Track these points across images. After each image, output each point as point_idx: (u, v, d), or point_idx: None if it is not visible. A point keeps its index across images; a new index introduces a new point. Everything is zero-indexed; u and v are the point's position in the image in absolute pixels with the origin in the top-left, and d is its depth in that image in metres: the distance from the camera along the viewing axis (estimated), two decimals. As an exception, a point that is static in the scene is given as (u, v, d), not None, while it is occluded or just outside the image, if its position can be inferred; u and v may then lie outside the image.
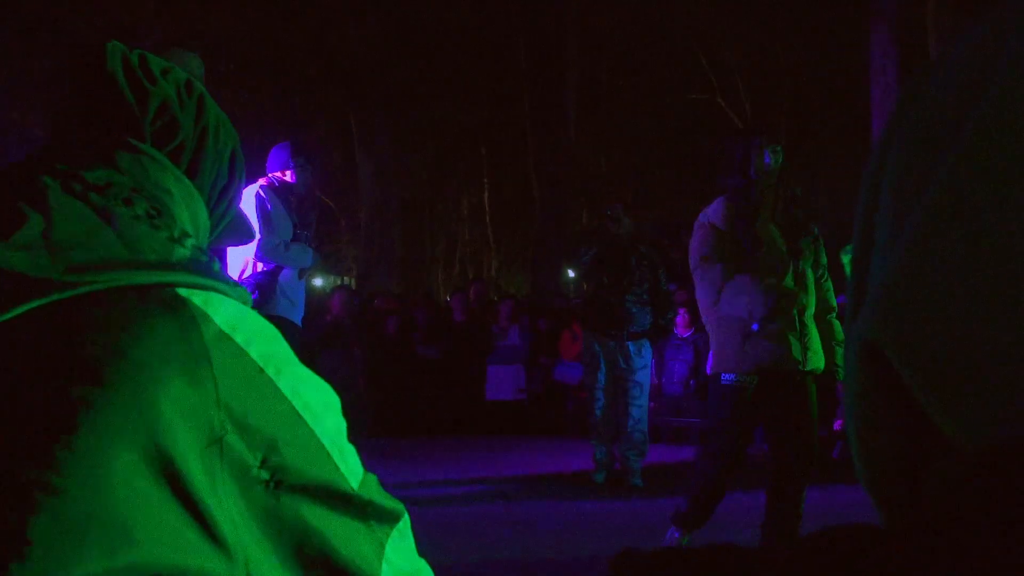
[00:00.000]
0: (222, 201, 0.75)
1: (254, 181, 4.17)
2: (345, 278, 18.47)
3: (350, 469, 0.65)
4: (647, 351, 5.21)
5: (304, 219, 4.24)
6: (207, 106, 0.73)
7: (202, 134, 0.71)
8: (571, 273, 15.28)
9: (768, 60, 15.69)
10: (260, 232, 3.93)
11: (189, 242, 0.63)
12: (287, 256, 4.14)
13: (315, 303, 10.36)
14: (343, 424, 0.65)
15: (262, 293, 4.03)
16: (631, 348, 5.13)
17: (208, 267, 0.62)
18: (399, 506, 0.70)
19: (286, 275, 4.15)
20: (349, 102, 14.26)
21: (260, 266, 4.11)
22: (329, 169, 17.71)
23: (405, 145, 17.03)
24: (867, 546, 0.27)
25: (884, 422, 0.31)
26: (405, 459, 6.21)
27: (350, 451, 0.66)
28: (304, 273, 4.23)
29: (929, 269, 0.28)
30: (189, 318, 0.57)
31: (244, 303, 0.64)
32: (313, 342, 8.04)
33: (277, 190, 4.15)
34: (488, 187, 22.18)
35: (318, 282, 18.07)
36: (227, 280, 0.64)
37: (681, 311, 7.52)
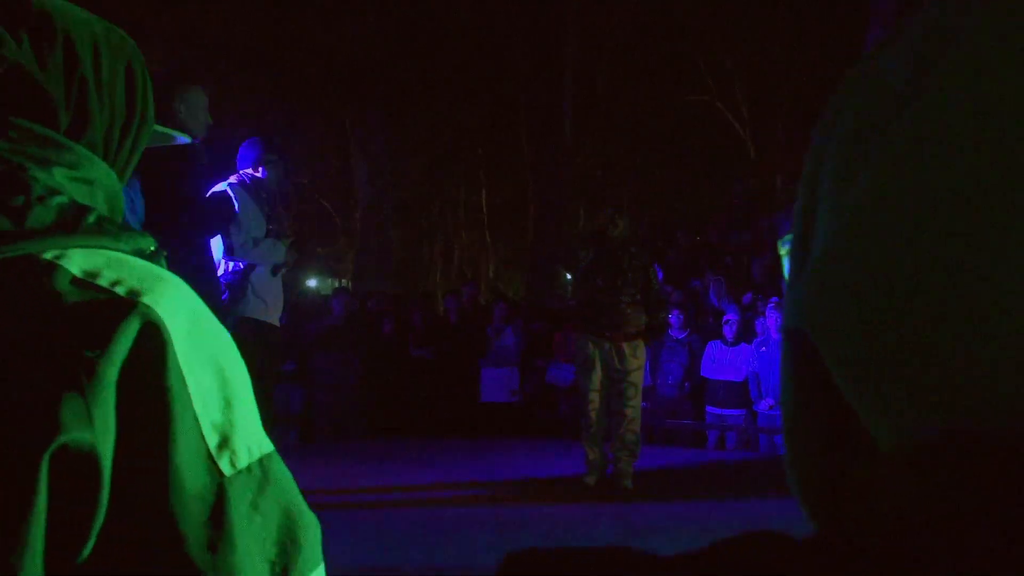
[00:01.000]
0: (125, 139, 0.71)
1: (225, 179, 4.12)
2: (342, 280, 18.41)
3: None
4: (642, 352, 5.19)
5: (275, 215, 4.18)
6: (80, 56, 0.67)
7: (81, 87, 0.66)
8: (568, 275, 15.24)
9: (766, 62, 15.66)
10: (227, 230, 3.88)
11: (55, 201, 0.60)
12: (256, 253, 4.08)
13: (312, 305, 10.37)
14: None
15: (232, 293, 3.96)
16: (626, 349, 5.10)
17: (81, 224, 0.59)
18: None
19: (258, 274, 4.08)
20: (345, 103, 14.22)
21: (231, 265, 4.05)
22: (325, 171, 17.68)
23: (401, 146, 17.00)
24: (774, 554, 0.27)
25: (809, 419, 0.30)
26: (397, 461, 6.16)
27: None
28: (279, 270, 4.15)
29: (857, 250, 0.27)
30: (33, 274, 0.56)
31: (139, 253, 0.63)
32: (310, 344, 8.01)
33: (248, 187, 4.09)
34: (485, 188, 22.14)
35: (312, 283, 18.02)
36: (117, 234, 0.62)
37: (675, 312, 7.50)
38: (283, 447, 4.92)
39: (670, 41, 16.17)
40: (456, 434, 7.91)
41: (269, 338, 4.15)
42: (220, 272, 3.99)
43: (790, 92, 15.79)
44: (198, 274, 3.38)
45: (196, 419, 0.57)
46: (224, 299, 3.88)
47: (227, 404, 0.60)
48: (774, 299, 8.05)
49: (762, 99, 16.30)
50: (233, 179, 4.10)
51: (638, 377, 5.18)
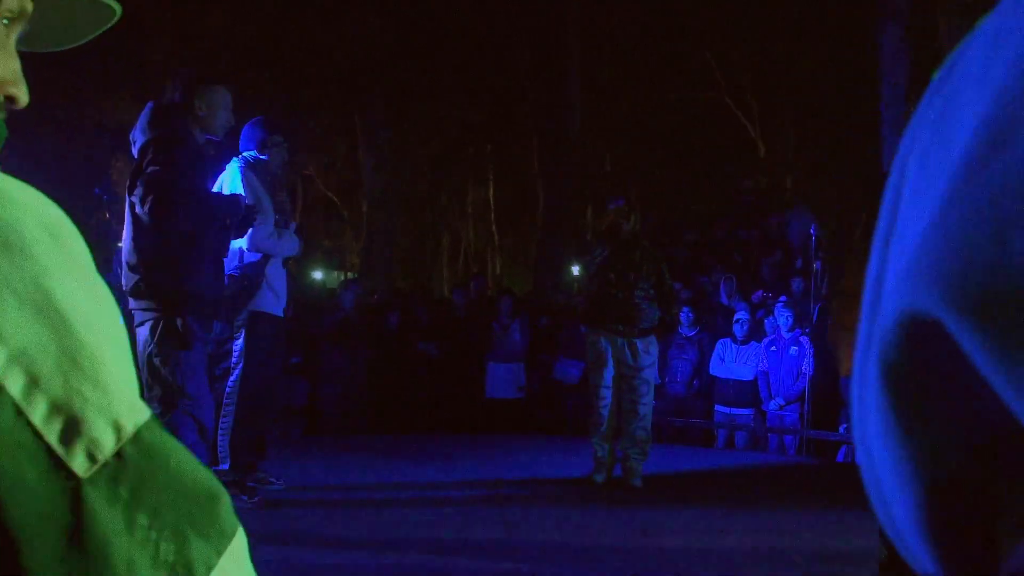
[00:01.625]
0: None
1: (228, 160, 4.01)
2: (347, 273, 18.35)
3: None
4: (654, 348, 5.12)
5: (280, 202, 4.08)
6: None
7: None
8: (575, 270, 15.19)
9: (776, 58, 15.51)
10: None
11: None
12: (280, 245, 3.99)
13: (318, 298, 10.29)
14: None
15: (248, 286, 3.88)
16: (639, 345, 5.02)
17: None
18: None
19: (274, 266, 4.00)
20: (352, 97, 14.13)
21: (245, 257, 3.95)
22: (331, 163, 17.61)
23: (408, 140, 16.90)
24: None
25: (939, 423, 0.25)
26: (402, 457, 6.08)
27: None
28: (287, 262, 4.08)
29: (981, 202, 0.26)
30: None
31: None
32: (321, 339, 7.92)
33: (255, 169, 3.98)
34: (492, 184, 22.06)
35: (318, 275, 17.96)
36: None
37: (684, 309, 7.41)
38: (287, 441, 4.80)
39: (678, 35, 16.05)
40: (461, 430, 7.83)
41: (279, 331, 4.09)
42: (233, 264, 3.92)
43: (801, 88, 15.65)
44: (201, 266, 3.30)
45: (11, 401, 0.40)
46: (233, 291, 3.80)
47: (72, 363, 0.42)
48: (783, 298, 7.96)
49: (772, 95, 16.16)
50: (239, 162, 3.99)
51: (651, 373, 5.12)
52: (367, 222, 14.53)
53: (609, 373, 5.08)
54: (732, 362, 7.36)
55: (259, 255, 3.96)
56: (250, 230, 3.71)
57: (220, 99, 3.39)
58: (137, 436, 0.44)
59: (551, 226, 13.35)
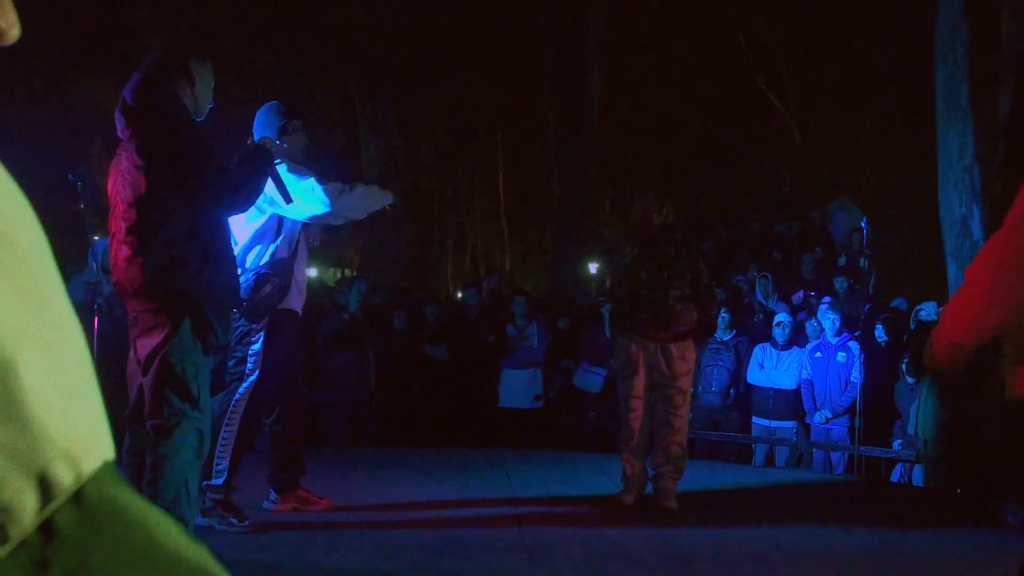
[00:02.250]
0: None
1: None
2: (345, 270, 18.27)
3: None
4: (691, 354, 4.98)
5: None
6: None
7: None
8: (592, 268, 15.07)
9: (813, 38, 15.33)
10: (294, 190, 3.74)
11: None
12: (356, 198, 4.04)
13: (319, 298, 10.19)
14: None
15: (276, 285, 3.81)
16: (674, 350, 4.89)
17: None
18: None
19: (301, 257, 3.98)
20: (353, 80, 14.04)
21: (268, 254, 3.90)
22: (331, 149, 17.51)
23: (413, 128, 16.81)
24: None
25: None
26: (411, 472, 5.94)
27: None
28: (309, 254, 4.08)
29: None
30: None
31: None
32: (328, 342, 7.80)
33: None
34: (503, 175, 21.96)
35: (312, 272, 17.89)
36: None
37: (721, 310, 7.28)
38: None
39: (707, 14, 15.90)
40: (473, 443, 7.71)
41: (300, 332, 4.11)
42: (263, 260, 3.86)
43: (840, 70, 15.46)
44: (225, 259, 3.20)
45: None
46: (264, 291, 3.74)
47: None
48: (827, 298, 7.80)
49: (809, 78, 15.97)
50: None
51: (687, 383, 4.97)
52: (368, 216, 14.43)
53: (640, 382, 4.96)
54: (772, 369, 7.22)
55: (287, 252, 3.91)
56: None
57: (210, 76, 3.30)
58: (81, 497, 0.30)
59: (568, 220, 13.27)
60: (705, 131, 17.31)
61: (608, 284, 5.34)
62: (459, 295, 12.73)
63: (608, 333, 7.63)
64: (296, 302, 4.00)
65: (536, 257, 21.66)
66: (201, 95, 3.24)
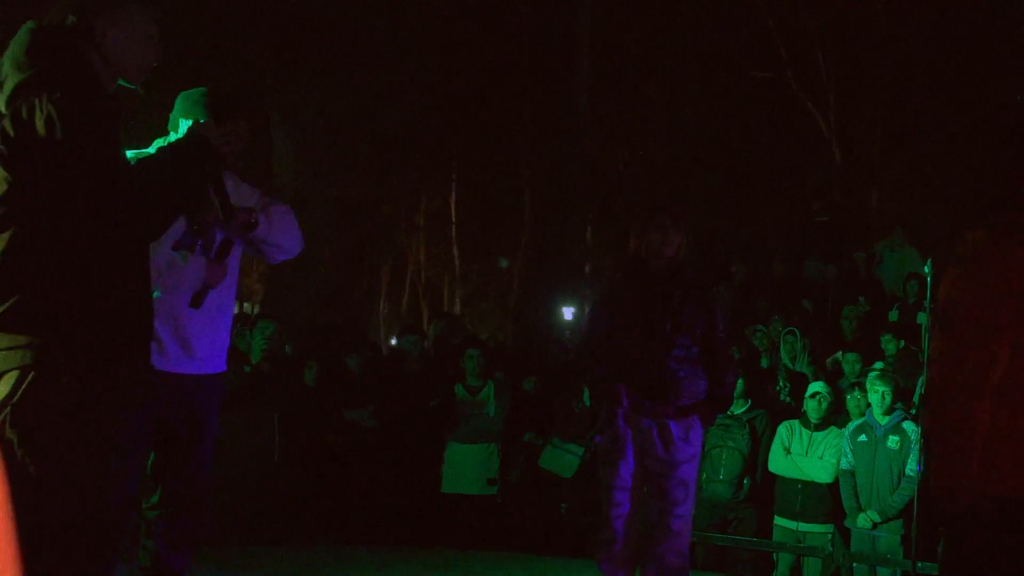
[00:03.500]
0: None
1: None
2: (244, 304, 18.13)
3: None
4: (697, 434, 4.97)
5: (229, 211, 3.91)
6: None
7: None
8: (567, 313, 15.09)
9: (860, 24, 15.65)
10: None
11: None
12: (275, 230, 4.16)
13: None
14: None
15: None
16: (675, 429, 4.88)
17: None
18: None
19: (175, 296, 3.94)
20: (265, 56, 14.07)
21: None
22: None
23: (342, 120, 16.80)
24: None
25: None
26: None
27: None
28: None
29: None
30: None
31: None
32: (228, 399, 7.75)
33: None
34: (457, 186, 22.08)
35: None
36: None
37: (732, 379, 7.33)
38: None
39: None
40: (408, 539, 7.69)
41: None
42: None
43: (892, 69, 15.78)
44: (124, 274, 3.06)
45: None
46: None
47: None
48: (876, 364, 7.88)
49: (855, 75, 16.27)
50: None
51: (690, 471, 4.96)
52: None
53: (628, 468, 4.96)
54: (801, 455, 7.24)
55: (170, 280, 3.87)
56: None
57: (137, 22, 3.15)
58: None
59: (540, 249, 13.31)
60: (718, 140, 17.55)
61: (588, 335, 5.36)
62: (394, 342, 12.67)
63: (588, 401, 7.61)
64: (176, 359, 3.95)
65: (495, 296, 21.69)
66: (122, 50, 3.12)
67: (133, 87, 3.22)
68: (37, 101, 2.90)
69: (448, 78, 17.72)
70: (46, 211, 2.92)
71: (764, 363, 8.85)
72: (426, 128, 19.75)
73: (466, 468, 8.32)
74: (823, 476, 7.17)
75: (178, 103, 4.07)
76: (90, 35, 3.08)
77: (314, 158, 14.13)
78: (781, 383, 8.30)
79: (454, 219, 22.51)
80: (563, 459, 8.14)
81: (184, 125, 3.81)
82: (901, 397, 7.20)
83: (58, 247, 2.93)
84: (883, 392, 6.99)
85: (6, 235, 2.92)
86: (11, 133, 2.92)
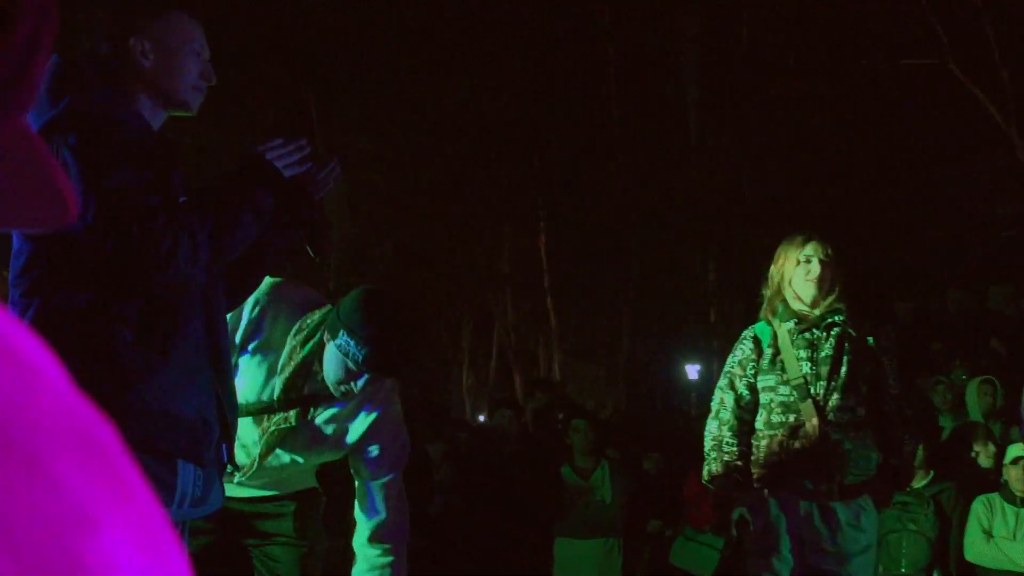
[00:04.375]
0: None
1: None
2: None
3: None
4: (871, 519, 4.94)
5: None
6: None
7: None
8: (692, 372, 14.92)
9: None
10: None
11: None
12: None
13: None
14: None
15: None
16: (843, 514, 4.83)
17: None
18: None
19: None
20: (307, 77, 14.36)
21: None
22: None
23: (399, 158, 17.05)
24: None
25: None
26: None
27: None
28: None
29: None
30: None
31: None
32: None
33: None
34: (546, 227, 22.08)
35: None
36: None
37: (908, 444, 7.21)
38: None
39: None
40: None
41: None
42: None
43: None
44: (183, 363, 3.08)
45: None
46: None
47: None
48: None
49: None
50: None
51: (864, 566, 4.94)
52: (333, 283, 14.59)
53: (784, 564, 4.93)
54: (1007, 539, 7.09)
55: None
56: None
57: (186, 36, 3.19)
58: None
59: (651, 296, 13.22)
60: (862, 146, 17.33)
61: (722, 401, 5.28)
62: (482, 419, 12.62)
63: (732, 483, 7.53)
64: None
65: (601, 354, 21.57)
66: (167, 74, 3.16)
67: (188, 114, 3.27)
68: (54, 147, 2.93)
69: (528, 99, 17.85)
70: (67, 282, 2.93)
71: (947, 422, 8.62)
72: (505, 161, 19.92)
73: (581, 569, 8.32)
74: (1035, 565, 7.01)
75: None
76: (127, 58, 3.13)
77: (370, 196, 14.31)
78: (976, 448, 8.08)
79: (544, 264, 22.48)
80: (700, 554, 8.17)
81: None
82: None
83: (83, 327, 2.93)
84: None
85: (29, 313, 2.94)
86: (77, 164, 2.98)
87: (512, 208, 21.74)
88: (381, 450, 4.04)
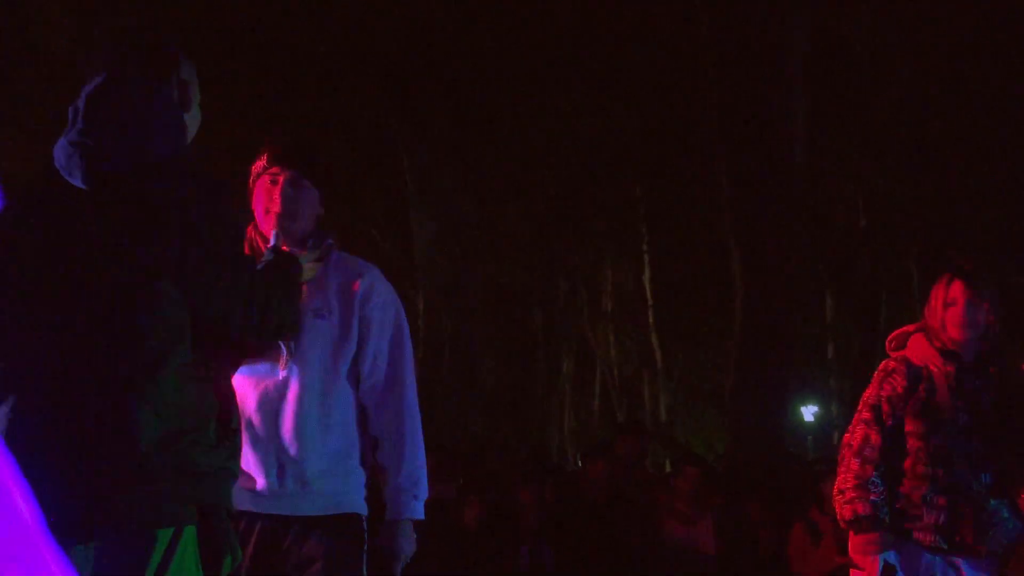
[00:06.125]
0: None
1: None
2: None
3: None
4: None
5: None
6: None
7: None
8: (808, 414, 14.57)
9: None
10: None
11: None
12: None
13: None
14: None
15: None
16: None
17: None
18: None
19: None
20: (392, 110, 14.44)
21: None
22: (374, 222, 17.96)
23: (493, 189, 17.03)
24: None
25: None
26: None
27: None
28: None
29: None
30: None
31: None
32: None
33: None
34: (649, 260, 21.98)
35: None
36: None
37: None
38: None
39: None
40: None
41: None
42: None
43: None
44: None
45: None
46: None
47: None
48: None
49: None
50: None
51: None
52: (423, 325, 14.59)
53: None
54: None
55: None
56: None
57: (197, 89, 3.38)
58: None
59: (758, 325, 13.01)
60: (990, 154, 16.92)
61: (867, 437, 5.02)
62: (580, 463, 12.46)
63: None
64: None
65: (710, 394, 21.34)
66: (194, 119, 3.32)
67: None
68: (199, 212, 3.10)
69: (627, 128, 17.79)
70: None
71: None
72: (605, 190, 19.84)
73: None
74: None
75: None
76: (185, 97, 3.31)
77: (460, 234, 14.32)
78: None
79: (650, 300, 22.36)
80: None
81: None
82: None
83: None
84: None
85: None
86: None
87: (614, 242, 21.70)
88: None
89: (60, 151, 3.07)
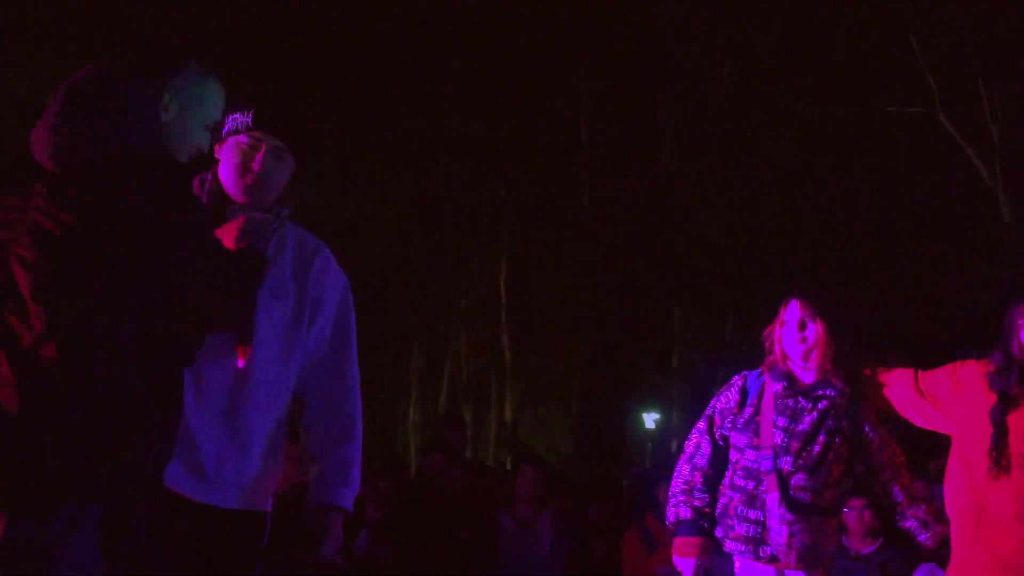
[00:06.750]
0: None
1: None
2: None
3: None
4: None
5: None
6: None
7: None
8: (649, 421, 14.84)
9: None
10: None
11: None
12: None
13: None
14: None
15: None
16: None
17: None
18: None
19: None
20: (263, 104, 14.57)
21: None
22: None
23: (364, 178, 17.03)
24: None
25: None
26: None
27: None
28: None
29: None
30: None
31: None
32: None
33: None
34: (507, 260, 22.09)
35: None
36: None
37: (856, 509, 7.32)
38: None
39: (861, 15, 16.26)
40: None
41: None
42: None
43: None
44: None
45: None
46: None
47: None
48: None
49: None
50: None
51: None
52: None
53: None
54: None
55: None
56: None
57: (205, 91, 3.38)
58: None
59: (612, 338, 13.25)
60: (852, 195, 17.40)
61: (699, 446, 5.16)
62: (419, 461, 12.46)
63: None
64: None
65: (556, 393, 21.58)
66: (182, 123, 3.32)
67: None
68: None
69: (497, 127, 17.95)
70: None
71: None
72: (466, 188, 19.92)
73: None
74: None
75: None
76: (150, 111, 3.33)
77: (321, 229, 14.40)
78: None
79: (504, 300, 22.49)
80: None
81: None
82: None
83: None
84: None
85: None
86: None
87: (474, 239, 21.78)
88: None
89: (35, 132, 3.14)
